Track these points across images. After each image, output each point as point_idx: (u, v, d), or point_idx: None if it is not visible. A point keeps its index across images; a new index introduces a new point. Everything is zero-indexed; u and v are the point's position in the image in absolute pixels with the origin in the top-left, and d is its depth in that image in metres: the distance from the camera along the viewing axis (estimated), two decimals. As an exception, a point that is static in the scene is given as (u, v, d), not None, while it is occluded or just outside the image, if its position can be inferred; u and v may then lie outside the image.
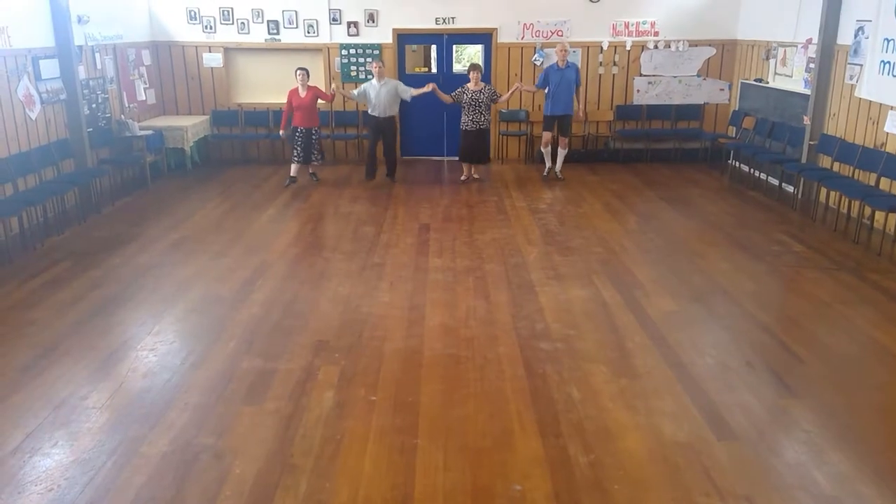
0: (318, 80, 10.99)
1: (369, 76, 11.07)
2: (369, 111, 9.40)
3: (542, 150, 9.95)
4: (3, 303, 5.62)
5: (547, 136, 9.80)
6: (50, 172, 8.01)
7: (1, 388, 4.29)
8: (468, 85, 9.26)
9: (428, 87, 9.18)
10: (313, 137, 9.43)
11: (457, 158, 9.99)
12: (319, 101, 9.47)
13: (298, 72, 9.21)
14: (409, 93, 9.27)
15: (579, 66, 10.43)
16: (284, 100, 10.57)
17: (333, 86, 9.47)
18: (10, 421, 3.94)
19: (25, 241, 7.04)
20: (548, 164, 9.98)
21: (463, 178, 9.80)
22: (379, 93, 9.21)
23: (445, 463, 3.55)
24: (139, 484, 3.40)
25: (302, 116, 9.33)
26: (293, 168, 9.51)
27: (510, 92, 9.74)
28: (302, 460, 3.58)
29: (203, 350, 4.82)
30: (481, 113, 9.32)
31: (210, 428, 3.87)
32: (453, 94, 9.31)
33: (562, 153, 9.82)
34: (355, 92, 9.44)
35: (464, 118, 9.38)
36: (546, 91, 9.62)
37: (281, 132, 9.57)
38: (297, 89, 9.29)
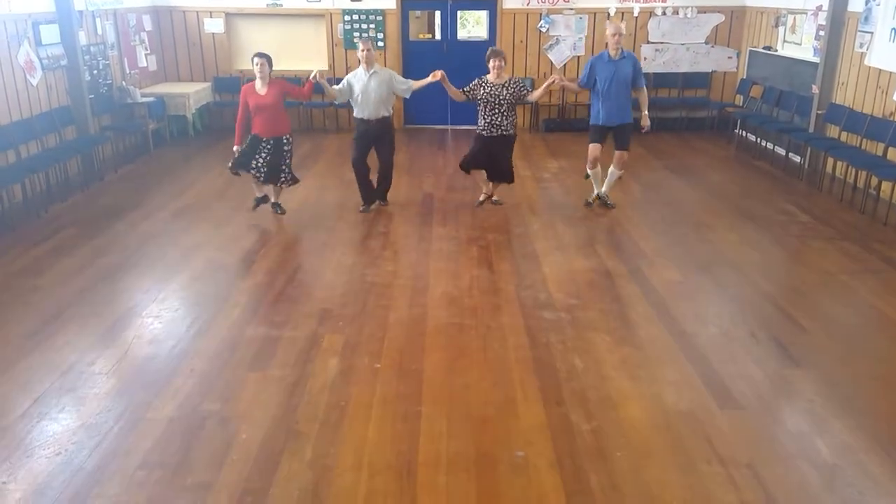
0: (321, 47, 10.87)
1: (374, 43, 10.94)
2: (355, 112, 6.86)
3: (589, 170, 7.09)
4: (8, 270, 5.63)
5: (595, 149, 6.90)
6: (52, 139, 7.97)
7: (8, 355, 4.32)
8: (488, 77, 6.69)
9: (435, 76, 6.59)
10: (285, 149, 6.69)
11: (464, 158, 7.01)
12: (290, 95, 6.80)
13: (256, 60, 6.50)
14: (409, 86, 6.85)
15: (585, 34, 10.18)
16: (286, 66, 10.25)
17: (315, 72, 6.56)
18: (18, 386, 3.98)
19: (29, 209, 7.03)
20: (595, 189, 7.18)
21: (481, 198, 7.25)
22: (367, 86, 6.65)
23: (449, 430, 3.58)
24: (146, 448, 3.44)
25: (265, 121, 6.56)
26: (256, 185, 6.84)
27: (544, 87, 6.73)
28: (307, 426, 3.61)
29: (208, 317, 4.83)
30: (502, 114, 6.63)
31: (216, 394, 3.90)
32: (466, 88, 6.71)
33: (615, 174, 7.07)
34: (337, 87, 6.81)
35: (479, 121, 6.77)
36: (592, 91, 6.89)
37: (235, 147, 6.69)
38: (252, 85, 6.60)
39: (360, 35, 10.73)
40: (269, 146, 6.63)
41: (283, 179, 6.75)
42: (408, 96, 7.09)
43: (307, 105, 10.88)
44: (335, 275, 5.57)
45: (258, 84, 6.57)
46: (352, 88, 6.74)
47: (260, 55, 6.55)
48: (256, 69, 6.50)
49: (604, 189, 7.18)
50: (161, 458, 3.38)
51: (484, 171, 7.03)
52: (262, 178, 6.68)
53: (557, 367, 4.18)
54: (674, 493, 3.13)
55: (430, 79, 6.64)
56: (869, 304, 5.05)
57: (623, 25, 6.70)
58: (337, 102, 7.32)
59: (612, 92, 6.67)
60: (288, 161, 6.75)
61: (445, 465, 3.32)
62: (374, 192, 7.10)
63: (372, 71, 6.69)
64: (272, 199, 6.94)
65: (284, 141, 6.68)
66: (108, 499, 3.11)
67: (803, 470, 3.28)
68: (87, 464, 3.33)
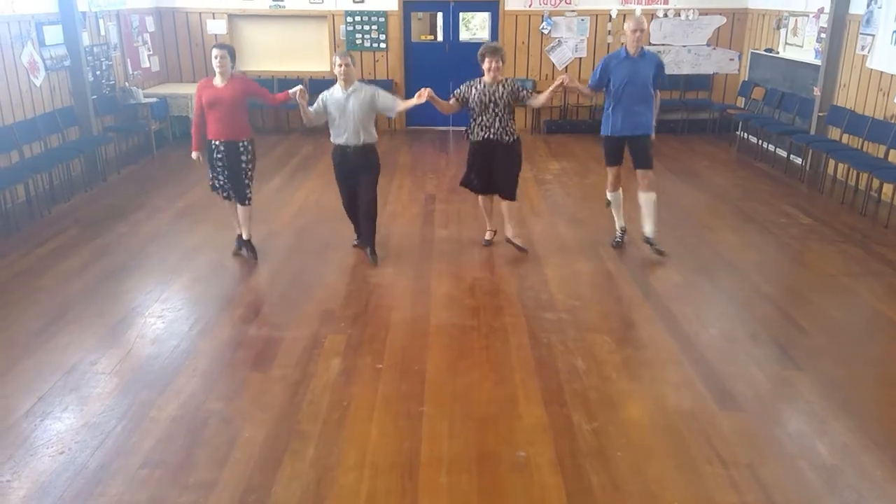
0: (323, 49, 10.87)
1: (376, 45, 10.98)
2: (331, 137, 5.72)
3: (608, 196, 6.11)
4: (12, 270, 5.65)
5: (615, 171, 5.99)
6: (55, 140, 7.99)
7: (12, 354, 4.34)
8: (483, 78, 5.74)
9: (422, 96, 5.53)
10: (242, 158, 5.63)
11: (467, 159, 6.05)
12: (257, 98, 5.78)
13: (215, 52, 5.45)
14: (395, 107, 5.79)
15: (586, 35, 10.15)
16: (290, 67, 10.25)
17: (297, 88, 5.55)
18: (22, 385, 4.00)
19: (32, 209, 7.06)
20: (618, 222, 6.16)
21: (487, 237, 6.23)
22: (345, 107, 5.54)
23: (451, 430, 3.60)
24: (149, 447, 3.46)
25: (218, 120, 5.48)
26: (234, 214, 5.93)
27: (551, 89, 5.61)
28: (309, 426, 3.63)
29: (210, 318, 4.85)
30: (498, 116, 5.67)
31: (218, 393, 3.92)
32: (456, 91, 5.84)
33: (648, 200, 5.86)
34: (311, 108, 5.63)
35: (470, 127, 5.87)
36: (606, 94, 5.81)
37: (193, 154, 5.74)
38: (210, 80, 5.57)
39: (362, 36, 10.75)
40: (220, 155, 5.59)
41: (248, 196, 5.74)
42: (392, 116, 6.22)
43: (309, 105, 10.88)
44: (337, 275, 5.58)
45: (217, 79, 5.53)
46: (328, 110, 5.62)
47: (220, 46, 5.55)
48: (216, 63, 5.44)
49: (647, 229, 5.86)
50: (163, 456, 3.39)
51: (483, 200, 6.13)
52: (229, 196, 5.81)
53: (559, 367, 4.19)
54: (674, 493, 3.15)
55: (415, 100, 5.58)
56: (870, 307, 5.06)
57: (645, 21, 5.67)
58: (309, 127, 6.01)
59: (626, 95, 5.65)
60: (250, 174, 5.71)
61: (447, 465, 3.34)
62: (361, 239, 5.98)
63: (351, 90, 5.54)
64: (242, 236, 5.88)
65: (241, 148, 5.59)
66: (110, 497, 3.13)
67: (803, 471, 3.29)
68: (91, 462, 3.35)
